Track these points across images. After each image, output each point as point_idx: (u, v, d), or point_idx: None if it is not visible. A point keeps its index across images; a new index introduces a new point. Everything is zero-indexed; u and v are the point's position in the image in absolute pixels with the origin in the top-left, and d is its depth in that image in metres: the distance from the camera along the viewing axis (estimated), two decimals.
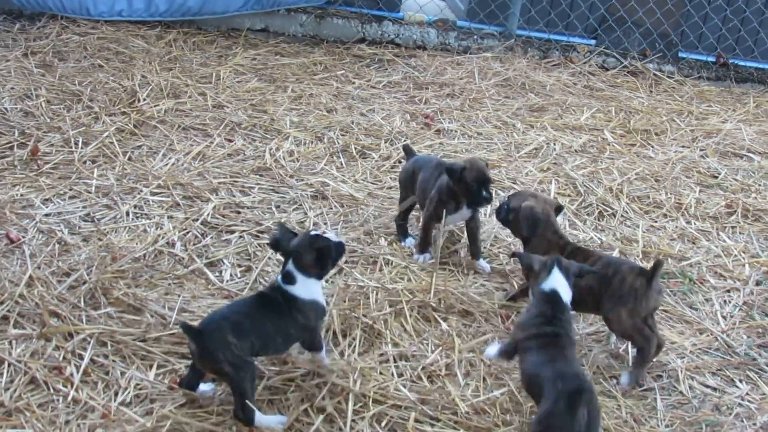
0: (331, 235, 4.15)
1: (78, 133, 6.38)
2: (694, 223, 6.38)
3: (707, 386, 4.65)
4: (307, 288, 4.06)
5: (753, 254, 6.01)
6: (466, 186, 5.24)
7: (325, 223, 5.65)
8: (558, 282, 4.17)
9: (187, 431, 3.85)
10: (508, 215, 5.06)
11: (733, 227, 6.40)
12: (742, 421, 4.39)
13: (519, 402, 4.27)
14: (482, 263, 5.46)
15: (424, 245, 5.46)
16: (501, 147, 7.22)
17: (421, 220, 5.53)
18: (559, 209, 5.13)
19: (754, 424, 4.37)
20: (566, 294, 4.17)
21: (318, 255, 4.06)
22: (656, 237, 6.11)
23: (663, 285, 4.94)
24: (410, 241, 5.59)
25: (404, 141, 6.86)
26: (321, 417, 3.99)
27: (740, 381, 4.71)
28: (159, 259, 5.10)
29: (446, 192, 5.33)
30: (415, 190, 5.58)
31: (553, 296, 4.14)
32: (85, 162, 6.08)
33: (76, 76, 7.38)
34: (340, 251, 4.18)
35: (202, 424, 3.89)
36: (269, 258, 5.18)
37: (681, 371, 4.70)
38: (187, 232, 5.37)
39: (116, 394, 4.06)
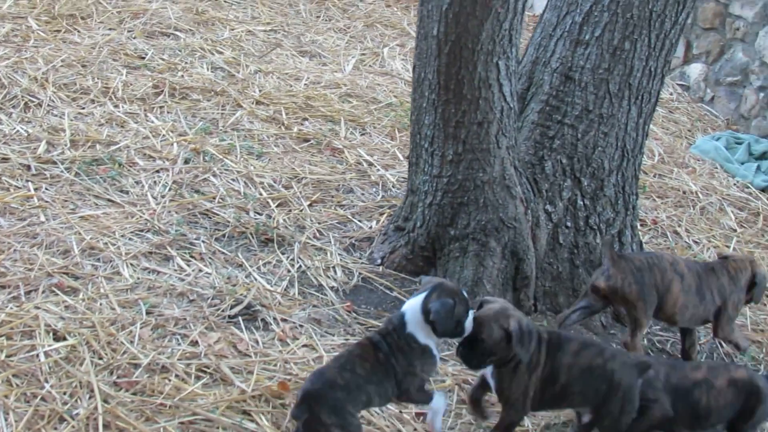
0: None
1: None
2: (122, 106, 6.85)
3: (146, 269, 5.21)
4: None
5: (181, 132, 6.63)
6: None
7: None
8: (413, 309, 3.99)
9: None
10: None
11: (161, 107, 6.97)
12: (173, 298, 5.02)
13: None
14: None
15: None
16: None
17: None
18: None
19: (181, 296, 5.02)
20: (413, 322, 3.97)
21: None
22: (84, 124, 6.49)
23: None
24: None
25: None
26: None
27: (172, 259, 5.33)
28: None
29: None
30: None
31: (401, 317, 4.01)
32: None
33: None
34: None
35: None
36: None
37: (120, 257, 5.19)
38: None
39: None
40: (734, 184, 7.85)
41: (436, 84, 5.15)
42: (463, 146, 5.20)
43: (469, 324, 3.95)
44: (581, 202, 5.50)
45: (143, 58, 7.72)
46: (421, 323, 3.91)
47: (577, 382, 4.18)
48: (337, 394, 3.79)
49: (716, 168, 8.11)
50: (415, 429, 4.35)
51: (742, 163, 8.26)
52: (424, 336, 3.93)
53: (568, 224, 5.49)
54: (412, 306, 3.95)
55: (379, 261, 5.53)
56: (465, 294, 3.97)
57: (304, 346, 4.75)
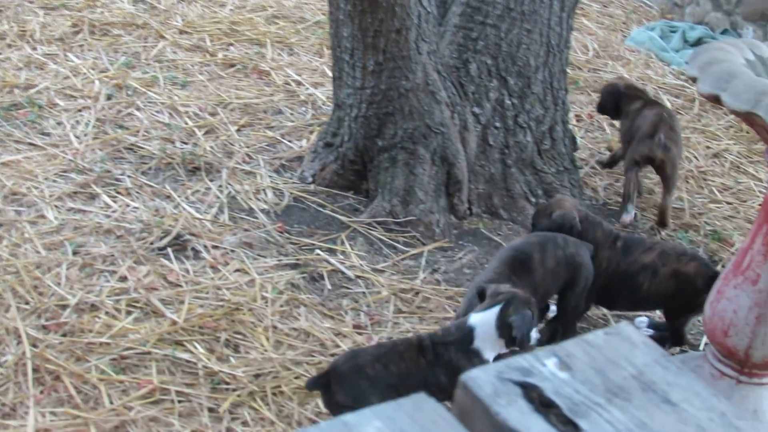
0: None
1: None
2: (41, 48, 6.65)
3: (71, 209, 5.09)
4: None
5: (102, 69, 6.46)
6: None
7: None
8: (484, 324, 3.68)
9: None
10: None
11: (81, 45, 6.78)
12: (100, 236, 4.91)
13: None
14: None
15: None
16: None
17: None
18: None
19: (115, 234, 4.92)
20: (482, 338, 3.67)
21: None
22: (1, 70, 6.32)
23: (668, 140, 5.48)
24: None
25: None
26: None
27: (98, 197, 5.21)
28: None
29: None
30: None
31: (468, 332, 3.70)
32: None
33: None
34: None
35: None
36: None
37: (43, 200, 5.06)
38: None
39: None
40: (670, 73, 7.78)
41: None
42: (383, 55, 5.09)
43: (535, 334, 3.68)
44: (509, 102, 5.41)
45: None
46: (493, 338, 3.63)
47: (553, 283, 4.22)
48: (361, 382, 3.53)
49: (652, 58, 8.02)
50: (354, 342, 4.30)
51: (678, 51, 8.19)
52: (489, 352, 3.65)
53: (497, 125, 5.41)
54: (483, 320, 3.64)
55: (310, 179, 5.43)
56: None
57: (236, 270, 4.68)
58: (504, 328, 3.60)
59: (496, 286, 3.81)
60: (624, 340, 1.66)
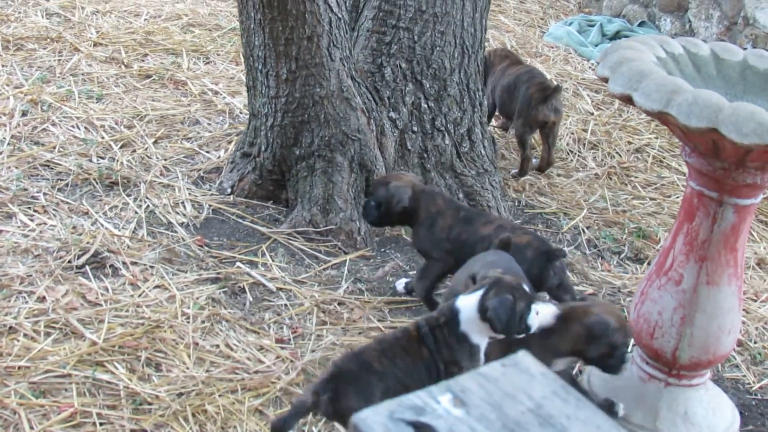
0: None
1: None
2: None
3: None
4: None
5: (17, 85, 6.31)
6: None
7: None
8: (468, 307, 3.56)
9: None
10: (380, 209, 4.60)
11: None
12: (17, 255, 4.78)
13: None
14: None
15: None
16: None
17: None
18: None
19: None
20: (467, 321, 3.55)
21: None
22: None
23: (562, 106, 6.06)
24: None
25: None
26: None
27: (14, 216, 5.08)
28: None
29: None
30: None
31: (455, 314, 3.57)
32: None
33: None
34: None
35: None
36: None
37: None
38: None
39: None
40: (589, 68, 7.82)
41: (260, 3, 4.94)
42: (296, 63, 5.03)
43: (532, 320, 3.55)
44: (425, 105, 5.39)
45: None
46: (477, 322, 3.52)
47: None
48: (371, 378, 3.38)
49: (570, 54, 8.07)
50: (278, 356, 4.24)
51: (596, 45, 8.24)
52: (477, 336, 3.54)
53: (415, 129, 5.38)
54: (467, 304, 3.54)
55: (228, 190, 5.36)
56: (526, 287, 3.58)
57: (156, 287, 4.58)
58: (484, 312, 3.49)
59: (486, 270, 3.72)
60: (522, 372, 1.62)
